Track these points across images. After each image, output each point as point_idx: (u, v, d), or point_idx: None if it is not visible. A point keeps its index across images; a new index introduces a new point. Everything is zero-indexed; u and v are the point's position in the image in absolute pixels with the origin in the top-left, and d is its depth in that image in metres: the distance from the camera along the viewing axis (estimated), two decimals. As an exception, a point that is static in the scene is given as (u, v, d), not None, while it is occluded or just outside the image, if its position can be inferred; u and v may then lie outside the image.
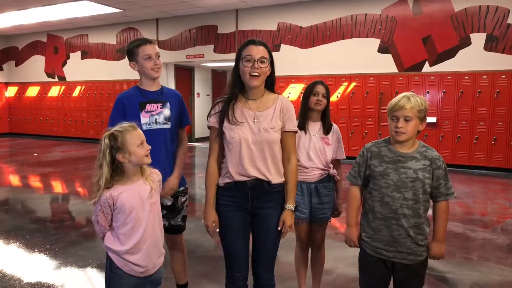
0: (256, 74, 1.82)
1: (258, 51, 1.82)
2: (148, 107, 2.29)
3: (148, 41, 2.29)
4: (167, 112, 2.33)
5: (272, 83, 1.95)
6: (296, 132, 1.96)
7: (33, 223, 4.25)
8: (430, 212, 1.86)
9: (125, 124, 1.75)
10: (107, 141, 1.68)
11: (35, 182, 6.39)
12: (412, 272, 1.84)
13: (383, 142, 1.90)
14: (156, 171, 1.88)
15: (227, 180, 1.90)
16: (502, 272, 3.09)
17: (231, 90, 1.90)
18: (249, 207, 1.89)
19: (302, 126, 2.42)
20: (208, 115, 1.95)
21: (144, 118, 2.28)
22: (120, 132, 1.70)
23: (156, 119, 2.30)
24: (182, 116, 2.44)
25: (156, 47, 2.31)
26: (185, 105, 2.49)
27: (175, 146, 2.42)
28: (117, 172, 1.72)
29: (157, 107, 2.31)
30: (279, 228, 1.91)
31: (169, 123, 2.33)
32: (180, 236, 2.49)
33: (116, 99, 2.36)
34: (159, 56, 2.31)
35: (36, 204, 5.01)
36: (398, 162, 1.81)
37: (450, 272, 3.05)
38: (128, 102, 2.30)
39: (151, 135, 2.20)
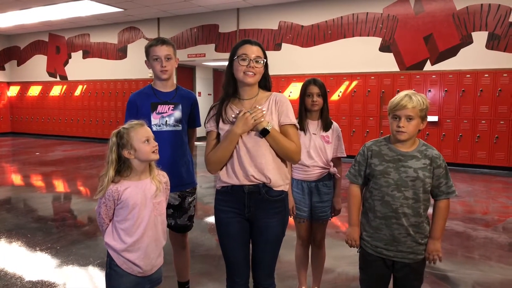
0: (251, 72, 1.79)
1: (253, 51, 1.79)
2: (160, 108, 2.29)
3: (160, 42, 2.25)
4: (178, 114, 2.31)
5: (266, 84, 1.90)
6: (294, 125, 1.84)
7: (34, 222, 4.26)
8: (430, 210, 1.85)
9: (133, 122, 1.78)
10: (114, 138, 1.73)
11: (37, 181, 6.40)
12: (412, 270, 1.84)
13: (384, 141, 1.89)
14: (163, 173, 1.89)
15: (223, 184, 1.84)
16: (503, 271, 3.08)
17: (225, 90, 1.88)
18: (246, 214, 1.83)
19: (302, 126, 2.41)
20: (205, 121, 1.92)
21: (155, 119, 2.28)
22: (126, 129, 1.74)
23: (166, 121, 2.29)
24: (193, 119, 2.43)
25: (168, 48, 2.25)
26: (198, 107, 2.46)
27: (188, 148, 2.40)
28: (125, 168, 1.74)
29: (169, 108, 2.30)
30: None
31: (180, 125, 2.32)
32: (184, 235, 2.49)
33: (128, 100, 2.36)
34: (169, 58, 2.26)
35: (37, 203, 5.02)
36: (399, 161, 1.81)
37: (452, 271, 3.05)
38: (141, 102, 2.30)
39: (159, 137, 2.19)
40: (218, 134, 1.87)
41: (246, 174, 1.79)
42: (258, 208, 1.82)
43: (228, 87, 1.87)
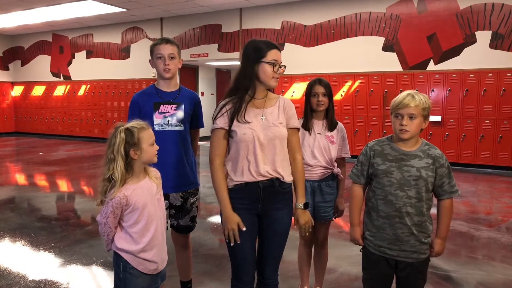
0: (277, 77, 1.88)
1: (280, 56, 1.88)
2: (162, 108, 2.28)
3: (164, 41, 2.26)
4: (180, 114, 2.31)
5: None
6: (298, 129, 1.98)
7: (38, 221, 4.28)
8: (433, 210, 1.85)
9: (140, 122, 1.74)
10: (123, 135, 1.66)
11: (40, 180, 6.43)
12: (415, 270, 1.84)
13: (386, 140, 1.89)
14: (154, 169, 1.88)
15: (236, 182, 1.86)
16: (506, 271, 3.07)
17: (246, 89, 1.87)
18: (259, 208, 1.87)
19: (307, 125, 2.40)
20: (214, 118, 1.89)
21: (157, 119, 2.27)
22: (136, 128, 1.69)
23: (168, 120, 2.29)
24: (196, 120, 2.42)
25: (173, 47, 2.26)
26: (201, 108, 2.46)
27: (191, 148, 2.41)
28: (127, 170, 1.70)
29: (171, 108, 2.29)
30: (293, 226, 1.94)
31: (182, 125, 2.31)
32: (187, 235, 2.50)
33: (131, 100, 2.36)
34: (173, 57, 2.26)
35: (41, 203, 5.05)
36: (401, 161, 1.81)
37: (455, 271, 3.04)
38: (143, 102, 2.30)
39: (161, 137, 2.20)
40: (228, 132, 1.86)
41: (261, 171, 1.84)
42: (271, 200, 1.88)
43: (250, 86, 1.88)
